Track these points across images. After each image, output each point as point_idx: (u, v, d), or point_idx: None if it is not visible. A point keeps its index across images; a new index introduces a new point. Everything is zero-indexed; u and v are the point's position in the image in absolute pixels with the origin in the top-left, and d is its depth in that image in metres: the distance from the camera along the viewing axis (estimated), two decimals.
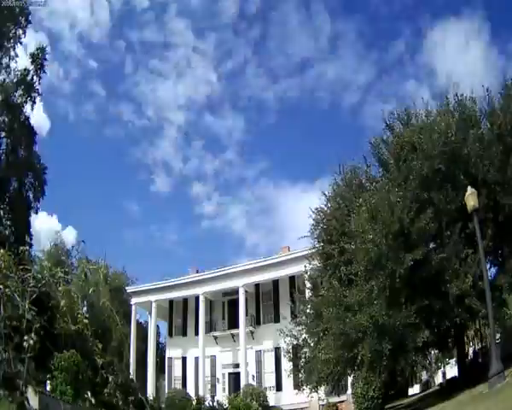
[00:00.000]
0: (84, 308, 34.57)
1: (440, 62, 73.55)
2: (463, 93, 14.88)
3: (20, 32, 21.47)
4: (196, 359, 31.47)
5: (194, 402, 28.49)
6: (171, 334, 35.30)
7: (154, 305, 33.55)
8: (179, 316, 34.85)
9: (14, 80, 21.46)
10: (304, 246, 21.20)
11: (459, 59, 70.43)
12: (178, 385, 32.39)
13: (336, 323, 14.32)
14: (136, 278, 43.33)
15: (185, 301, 33.89)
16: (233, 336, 30.55)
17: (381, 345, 13.40)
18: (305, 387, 18.24)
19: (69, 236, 55.11)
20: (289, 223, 69.60)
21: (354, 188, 16.86)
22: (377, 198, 14.17)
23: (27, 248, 21.18)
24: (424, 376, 25.23)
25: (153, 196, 79.89)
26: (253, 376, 29.37)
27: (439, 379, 24.07)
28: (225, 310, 32.77)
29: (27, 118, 22.06)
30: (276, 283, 30.23)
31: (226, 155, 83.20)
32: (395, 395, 20.69)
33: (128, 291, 36.82)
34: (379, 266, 13.32)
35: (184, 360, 33.18)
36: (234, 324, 30.55)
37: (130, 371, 30.41)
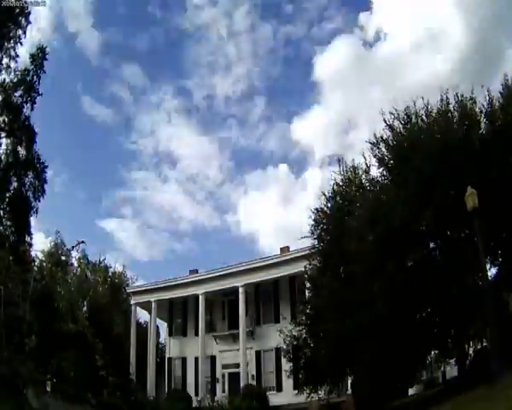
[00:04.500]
0: (84, 309, 34.61)
1: None
2: (463, 93, 14.92)
3: (20, 32, 21.44)
4: (196, 359, 31.43)
5: (193, 402, 28.48)
6: (171, 334, 35.26)
7: (153, 305, 33.52)
8: (179, 316, 34.82)
9: (15, 80, 21.42)
10: (304, 246, 21.21)
11: None
12: (178, 385, 32.37)
13: (336, 323, 14.35)
14: (137, 278, 43.38)
15: (185, 301, 33.86)
16: (233, 336, 30.51)
17: (380, 345, 13.41)
18: (305, 387, 18.27)
19: None
20: None
21: (354, 188, 16.89)
22: (377, 198, 14.19)
23: (27, 248, 21.18)
24: (424, 376, 25.21)
25: None
26: (253, 376, 29.34)
27: (439, 379, 24.06)
28: (225, 310, 32.72)
29: (27, 118, 22.02)
30: (276, 283, 30.21)
31: None
32: (395, 395, 20.65)
33: (128, 291, 36.79)
34: (379, 266, 13.32)
35: (184, 360, 33.15)
36: (234, 324, 30.51)
37: (130, 371, 30.50)
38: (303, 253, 21.60)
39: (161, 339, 40.07)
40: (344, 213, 15.88)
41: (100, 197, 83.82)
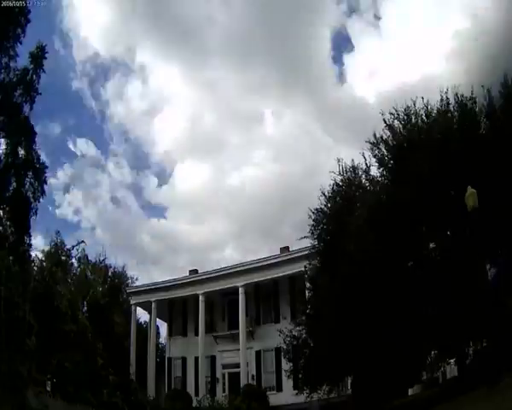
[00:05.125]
0: (84, 309, 34.60)
1: None
2: (463, 93, 14.92)
3: (20, 31, 21.43)
4: (196, 359, 31.45)
5: (193, 402, 28.48)
6: (171, 334, 35.28)
7: (154, 305, 33.53)
8: (179, 316, 34.83)
9: (14, 80, 21.41)
10: (303, 246, 21.20)
11: None
12: (178, 385, 32.38)
13: (335, 323, 14.34)
14: (137, 278, 43.39)
15: (185, 301, 33.87)
16: (233, 336, 30.52)
17: (380, 345, 13.41)
18: (305, 387, 18.26)
19: None
20: None
21: (354, 188, 16.88)
22: (377, 198, 14.19)
23: (27, 248, 21.16)
24: (424, 376, 25.20)
25: None
26: (253, 376, 29.35)
27: (439, 379, 24.06)
28: (225, 310, 32.74)
29: (27, 118, 22.01)
30: (276, 283, 30.22)
31: None
32: (395, 395, 20.66)
33: (128, 291, 36.80)
34: (379, 266, 13.32)
35: (184, 360, 33.16)
36: (234, 324, 30.52)
37: (131, 371, 30.50)
38: (303, 253, 21.62)
39: (161, 339, 40.11)
40: (344, 213, 15.86)
41: None
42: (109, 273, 41.19)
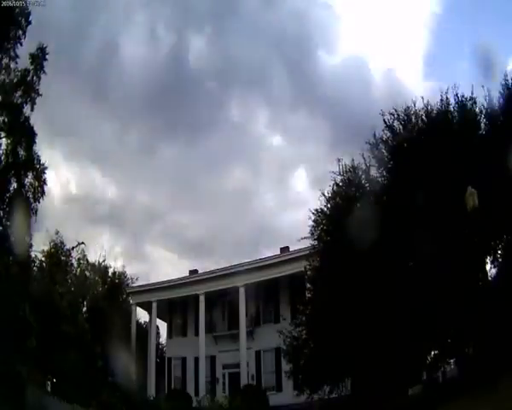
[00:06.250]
0: (84, 309, 34.58)
1: None
2: (463, 93, 14.95)
3: (20, 32, 21.43)
4: (196, 359, 31.44)
5: (193, 402, 28.49)
6: (170, 334, 35.28)
7: (154, 305, 33.53)
8: (179, 316, 34.84)
9: (14, 81, 21.41)
10: (303, 246, 21.19)
11: None
12: (178, 385, 32.39)
13: (335, 323, 14.34)
14: (137, 278, 43.30)
15: (185, 301, 33.86)
16: (233, 336, 30.51)
17: (380, 345, 13.42)
18: (305, 388, 18.26)
19: None
20: None
21: (354, 188, 16.90)
22: (377, 199, 14.20)
23: (27, 248, 21.16)
24: (424, 376, 25.18)
25: None
26: (253, 376, 29.34)
27: (439, 379, 24.04)
28: (225, 310, 32.75)
29: (27, 118, 22.02)
30: (276, 283, 30.21)
31: None
32: (395, 395, 20.64)
33: (128, 291, 36.78)
34: (379, 267, 13.33)
35: (184, 360, 33.15)
36: (234, 324, 30.53)
37: (131, 371, 30.47)
38: (303, 253, 21.58)
39: (161, 339, 40.09)
40: (344, 214, 15.86)
41: None
42: (109, 273, 41.11)
